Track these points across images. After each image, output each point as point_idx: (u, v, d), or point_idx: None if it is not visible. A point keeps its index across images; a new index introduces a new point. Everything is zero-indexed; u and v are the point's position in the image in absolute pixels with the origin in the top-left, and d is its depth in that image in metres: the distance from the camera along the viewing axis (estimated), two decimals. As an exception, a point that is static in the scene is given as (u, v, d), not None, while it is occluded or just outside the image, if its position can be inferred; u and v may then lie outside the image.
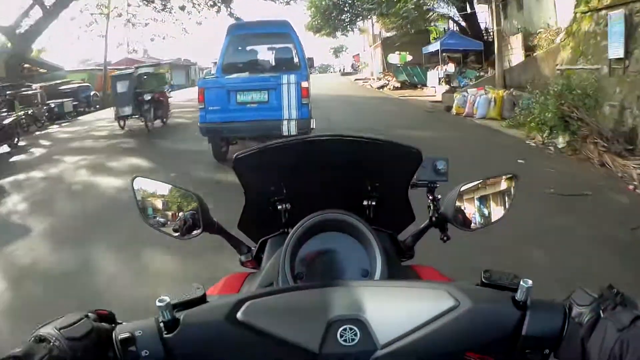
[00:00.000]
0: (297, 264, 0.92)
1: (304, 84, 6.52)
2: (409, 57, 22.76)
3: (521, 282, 0.62)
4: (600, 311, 0.58)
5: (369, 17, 27.30)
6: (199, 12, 21.63)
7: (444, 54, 19.12)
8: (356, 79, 34.53)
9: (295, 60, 7.58)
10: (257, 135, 6.36)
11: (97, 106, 18.70)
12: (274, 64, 8.14)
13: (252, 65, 7.76)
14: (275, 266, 0.92)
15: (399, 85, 22.21)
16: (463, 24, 20.80)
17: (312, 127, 6.66)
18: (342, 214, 0.95)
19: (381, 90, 23.11)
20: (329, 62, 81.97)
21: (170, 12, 21.65)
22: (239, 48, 8.03)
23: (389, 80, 23.87)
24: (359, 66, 51.92)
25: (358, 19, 28.18)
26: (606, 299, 0.59)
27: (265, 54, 8.72)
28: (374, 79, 29.70)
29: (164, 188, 1.05)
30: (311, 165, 1.10)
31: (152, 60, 31.70)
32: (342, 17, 26.93)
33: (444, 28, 23.51)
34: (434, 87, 17.82)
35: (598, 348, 0.56)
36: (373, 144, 1.09)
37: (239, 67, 7.51)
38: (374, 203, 1.09)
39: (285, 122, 6.42)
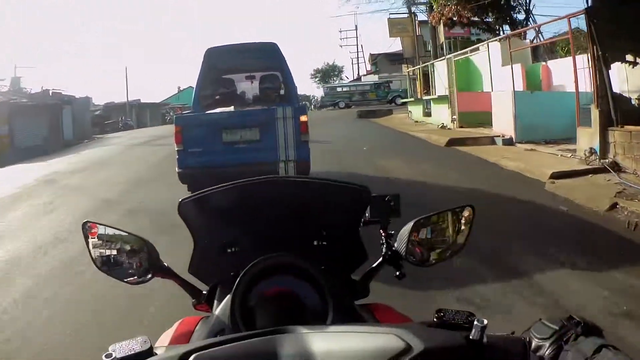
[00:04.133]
0: (248, 308, 0.92)
1: (303, 118, 5.60)
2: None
3: (475, 322, 0.61)
4: (562, 342, 0.58)
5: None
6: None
7: None
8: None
9: (285, 90, 6.81)
10: None
11: None
12: (259, 94, 7.30)
13: (235, 97, 7.00)
14: (226, 311, 0.92)
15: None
16: None
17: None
18: (290, 258, 0.96)
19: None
20: (310, 91, 60.39)
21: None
22: (219, 76, 7.10)
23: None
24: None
25: None
26: (567, 330, 0.59)
27: (249, 83, 7.74)
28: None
29: (114, 233, 1.04)
30: (258, 207, 1.11)
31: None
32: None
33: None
34: None
35: None
36: (319, 185, 1.13)
37: (219, 100, 6.74)
38: (324, 243, 1.10)
39: (281, 165, 5.49)
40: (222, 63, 6.72)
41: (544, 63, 12.77)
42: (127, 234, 1.05)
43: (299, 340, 0.64)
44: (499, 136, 10.08)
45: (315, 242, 1.11)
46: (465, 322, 0.64)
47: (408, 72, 20.26)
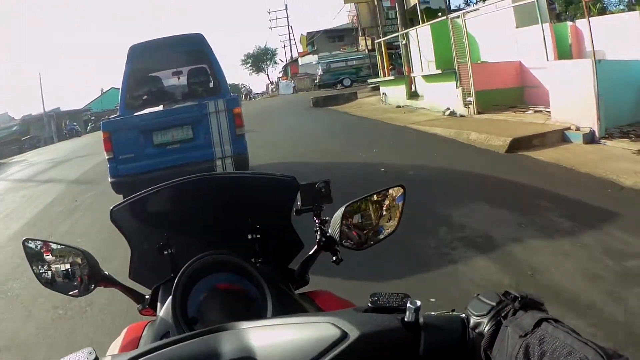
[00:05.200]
0: (190, 308, 0.94)
1: (236, 110, 5.28)
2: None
3: (408, 304, 0.60)
4: (501, 318, 0.57)
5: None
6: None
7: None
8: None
9: (214, 82, 6.40)
10: None
11: None
12: (188, 90, 6.70)
13: (164, 95, 6.59)
14: (169, 314, 0.92)
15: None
16: None
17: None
18: (222, 255, 0.98)
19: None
20: (242, 79, 58.59)
21: None
22: (145, 75, 6.59)
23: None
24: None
25: None
26: (505, 305, 0.58)
27: (176, 79, 7.21)
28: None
29: (54, 248, 1.04)
30: (189, 207, 1.14)
31: None
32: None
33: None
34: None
35: (503, 357, 0.54)
36: (247, 179, 1.23)
37: (147, 100, 6.28)
38: (258, 236, 1.11)
39: (219, 162, 5.21)
40: (147, 60, 6.25)
41: (571, 23, 9.52)
42: (65, 247, 1.05)
43: (237, 337, 0.63)
44: (569, 128, 6.59)
45: (249, 236, 1.10)
46: (400, 304, 0.63)
47: (377, 43, 16.22)
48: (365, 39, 20.53)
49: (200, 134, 5.15)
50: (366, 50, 28.35)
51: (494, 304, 0.59)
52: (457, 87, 9.70)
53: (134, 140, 5.05)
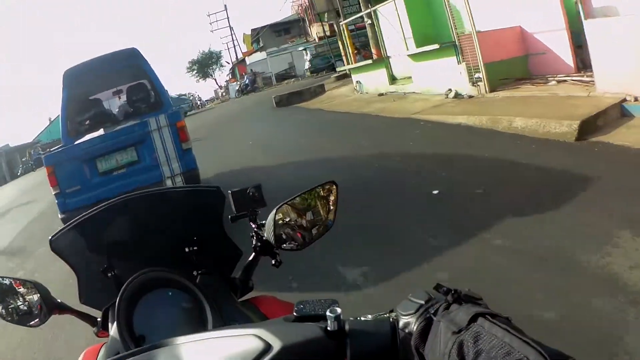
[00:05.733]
0: (136, 326, 0.95)
1: (180, 124, 4.86)
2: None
3: (327, 312, 0.58)
4: (431, 315, 0.53)
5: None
6: None
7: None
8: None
9: (154, 97, 6.05)
10: None
11: None
12: (130, 109, 6.27)
13: (106, 117, 6.13)
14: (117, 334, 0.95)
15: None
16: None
17: None
18: (155, 271, 0.99)
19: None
20: (187, 88, 55.00)
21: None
22: (85, 98, 6.09)
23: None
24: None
25: None
26: (436, 301, 0.55)
27: (116, 98, 6.73)
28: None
29: (7, 284, 1.05)
30: (123, 227, 1.16)
31: None
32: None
33: None
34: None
35: (436, 354, 0.50)
36: (174, 193, 1.26)
37: (90, 124, 5.83)
38: (195, 248, 1.12)
39: (169, 182, 4.81)
40: (84, 83, 5.84)
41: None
42: (17, 280, 1.06)
43: (171, 353, 0.64)
44: (624, 100, 5.22)
45: (186, 249, 1.12)
46: (325, 312, 0.60)
47: (340, 26, 14.41)
48: (323, 25, 18.81)
49: (145, 155, 4.83)
50: (316, 39, 26.69)
51: (422, 302, 0.56)
52: (458, 62, 8.19)
53: (78, 171, 4.70)
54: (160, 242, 1.13)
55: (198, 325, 0.93)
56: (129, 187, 4.44)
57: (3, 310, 1.04)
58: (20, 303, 1.05)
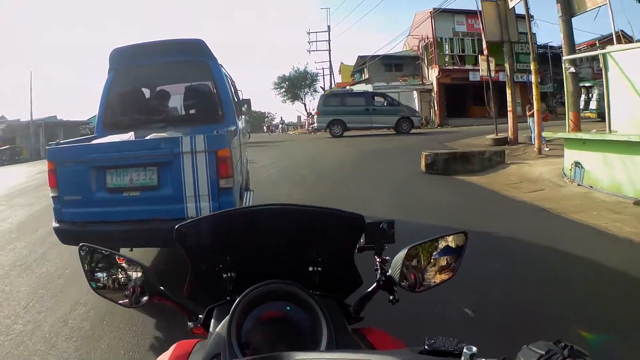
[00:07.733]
0: (244, 333, 0.96)
1: (222, 153, 3.56)
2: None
3: (464, 349, 0.61)
4: None
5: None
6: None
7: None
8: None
9: (216, 106, 4.77)
10: (143, 246, 4.01)
11: None
12: (183, 113, 5.22)
13: (148, 118, 4.82)
14: (222, 335, 0.95)
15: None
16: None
17: None
18: (285, 284, 1.00)
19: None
20: (273, 107, 47.78)
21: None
22: (130, 89, 4.97)
23: None
24: None
25: None
26: (554, 354, 0.59)
27: (169, 97, 5.44)
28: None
29: (110, 256, 1.06)
30: (255, 234, 1.16)
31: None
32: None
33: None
34: None
35: None
36: (316, 213, 1.19)
37: (128, 122, 4.72)
38: (319, 269, 1.13)
39: None
40: (134, 70, 4.81)
41: None
42: (123, 257, 1.06)
43: None
44: None
45: (310, 268, 1.12)
46: (455, 349, 0.64)
47: (565, 62, 9.43)
48: (487, 61, 14.28)
49: (168, 181, 3.65)
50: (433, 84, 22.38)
51: (542, 352, 0.60)
52: None
53: (83, 178, 3.71)
54: (286, 256, 1.15)
55: (310, 344, 0.93)
56: (138, 216, 3.60)
57: (98, 282, 1.04)
58: (118, 279, 1.05)
